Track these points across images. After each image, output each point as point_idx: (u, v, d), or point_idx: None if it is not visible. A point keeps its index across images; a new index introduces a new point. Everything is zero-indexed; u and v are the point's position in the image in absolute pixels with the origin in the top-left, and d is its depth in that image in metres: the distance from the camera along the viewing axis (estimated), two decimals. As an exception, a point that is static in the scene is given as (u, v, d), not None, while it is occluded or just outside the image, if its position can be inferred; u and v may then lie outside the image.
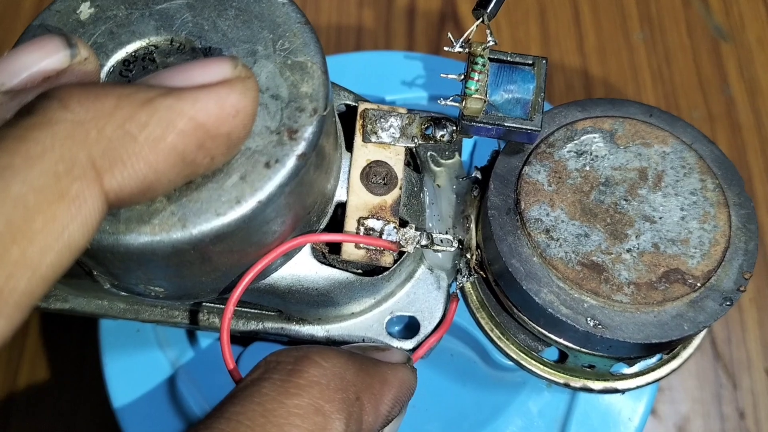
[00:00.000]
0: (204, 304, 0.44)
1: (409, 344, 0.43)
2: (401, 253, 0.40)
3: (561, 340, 0.41)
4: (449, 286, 0.44)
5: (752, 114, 0.71)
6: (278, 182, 0.32)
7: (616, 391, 0.43)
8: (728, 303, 0.39)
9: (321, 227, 0.40)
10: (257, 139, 0.33)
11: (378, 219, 0.40)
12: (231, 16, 0.36)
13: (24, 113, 0.24)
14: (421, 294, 0.44)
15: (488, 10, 0.39)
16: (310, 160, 0.34)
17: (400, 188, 0.40)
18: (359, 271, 0.41)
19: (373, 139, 0.41)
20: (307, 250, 0.39)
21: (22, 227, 0.22)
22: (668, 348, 0.42)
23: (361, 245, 0.39)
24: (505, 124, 0.39)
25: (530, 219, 0.40)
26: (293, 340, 0.44)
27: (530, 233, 0.40)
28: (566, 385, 0.43)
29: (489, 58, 0.40)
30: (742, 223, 0.41)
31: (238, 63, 0.28)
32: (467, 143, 0.51)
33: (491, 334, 0.44)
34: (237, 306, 0.43)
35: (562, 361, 0.43)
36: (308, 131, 0.33)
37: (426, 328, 0.43)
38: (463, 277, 0.44)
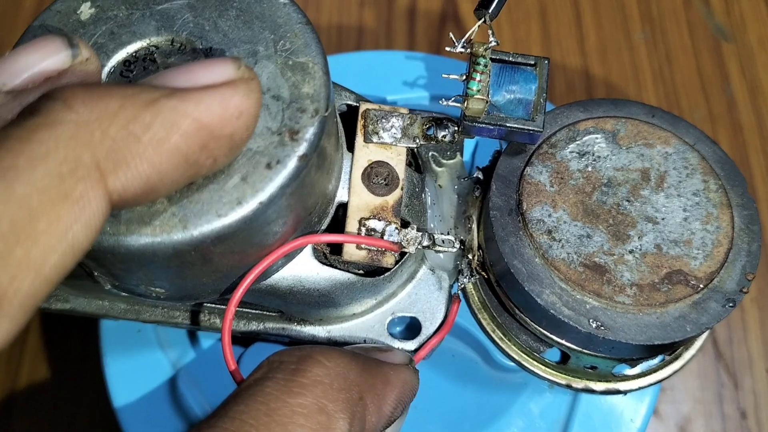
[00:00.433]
0: (205, 304, 0.44)
1: (411, 345, 0.42)
2: (403, 254, 0.40)
3: (563, 342, 0.41)
4: (451, 287, 0.44)
5: (753, 114, 0.71)
6: (279, 183, 0.32)
7: (618, 392, 0.43)
8: (731, 304, 0.39)
9: (322, 228, 0.40)
10: (258, 140, 0.33)
11: (379, 219, 0.39)
12: (232, 16, 0.36)
13: (27, 114, 0.24)
14: (423, 295, 0.44)
15: (490, 11, 0.39)
16: (311, 161, 0.33)
17: (402, 189, 0.40)
18: (360, 271, 0.41)
19: (375, 139, 0.41)
20: (308, 250, 0.39)
21: (26, 228, 0.22)
22: (670, 349, 0.42)
23: (363, 246, 0.39)
24: (507, 125, 0.39)
25: (532, 220, 0.40)
26: (294, 341, 0.44)
27: (532, 234, 0.40)
28: (568, 386, 0.43)
29: (491, 59, 0.39)
30: (744, 224, 0.40)
31: (241, 64, 0.28)
32: (469, 144, 0.51)
33: (493, 335, 0.44)
34: (238, 307, 0.43)
35: (564, 362, 0.43)
36: (309, 132, 0.33)
37: (427, 329, 0.43)
38: (465, 277, 0.44)
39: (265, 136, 0.33)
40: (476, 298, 0.44)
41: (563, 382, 0.43)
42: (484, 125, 0.39)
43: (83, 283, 0.42)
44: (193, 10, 0.35)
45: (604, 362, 0.42)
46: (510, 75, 0.40)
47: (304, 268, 0.39)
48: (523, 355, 0.43)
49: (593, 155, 0.42)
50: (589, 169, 0.41)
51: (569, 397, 0.47)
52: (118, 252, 0.32)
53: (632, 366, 0.43)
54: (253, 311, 0.44)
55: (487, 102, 0.39)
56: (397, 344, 0.43)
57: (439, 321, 0.43)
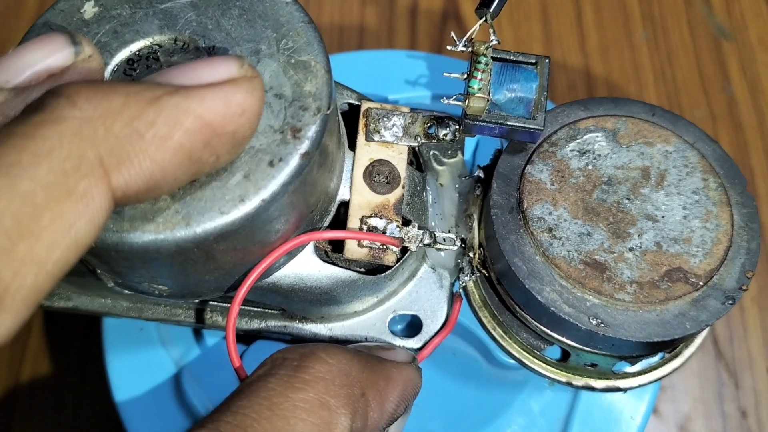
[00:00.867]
0: (207, 302, 0.44)
1: (412, 343, 0.43)
2: (404, 252, 0.40)
3: (563, 339, 0.41)
4: (452, 285, 0.44)
5: (754, 113, 0.71)
6: (282, 181, 0.32)
7: (618, 389, 0.44)
8: (730, 302, 0.39)
9: (324, 226, 0.40)
10: (261, 137, 0.33)
11: (381, 218, 0.40)
12: (235, 15, 0.36)
13: (31, 110, 0.24)
14: (424, 293, 0.44)
15: (491, 10, 0.39)
16: (313, 159, 0.34)
17: (403, 187, 0.40)
18: (362, 269, 0.41)
19: (376, 138, 0.41)
20: (310, 248, 0.39)
21: (30, 224, 0.22)
22: (670, 347, 0.42)
23: (364, 243, 0.39)
24: (508, 123, 0.39)
25: (533, 218, 0.40)
26: (296, 339, 0.44)
27: (533, 232, 0.40)
28: (568, 384, 0.43)
29: (492, 57, 0.40)
30: (744, 222, 0.41)
31: (245, 62, 0.28)
32: (470, 142, 0.51)
33: (493, 333, 0.44)
34: (240, 305, 0.44)
35: (564, 359, 0.43)
36: (312, 130, 0.33)
37: (428, 326, 0.43)
38: (466, 276, 0.44)
39: (268, 133, 0.33)
40: (477, 297, 0.44)
41: (563, 379, 0.43)
42: (485, 124, 0.39)
43: (86, 281, 0.42)
44: (196, 9, 0.36)
45: (605, 360, 0.42)
46: (511, 74, 0.40)
47: (305, 266, 0.39)
48: (523, 352, 0.44)
49: (594, 154, 0.42)
50: (590, 167, 0.41)
51: (569, 394, 0.48)
52: (122, 249, 0.32)
53: (632, 363, 0.43)
54: (255, 309, 0.44)
55: (488, 100, 0.39)
56: (399, 342, 0.43)
57: (440, 319, 0.43)
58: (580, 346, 0.41)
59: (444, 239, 0.41)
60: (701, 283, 0.39)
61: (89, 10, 0.36)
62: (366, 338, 0.43)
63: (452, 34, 0.40)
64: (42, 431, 0.60)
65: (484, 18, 0.39)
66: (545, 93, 0.40)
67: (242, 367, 0.36)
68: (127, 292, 0.41)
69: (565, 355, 0.43)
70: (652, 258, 0.39)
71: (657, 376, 0.44)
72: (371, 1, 0.76)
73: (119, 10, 0.36)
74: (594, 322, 0.38)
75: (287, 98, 0.34)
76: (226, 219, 0.32)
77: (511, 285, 0.41)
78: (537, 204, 0.40)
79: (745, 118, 0.71)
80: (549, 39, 0.75)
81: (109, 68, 0.35)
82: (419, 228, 0.40)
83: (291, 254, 0.39)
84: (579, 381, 0.43)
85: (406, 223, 0.40)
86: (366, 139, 0.41)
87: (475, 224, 0.44)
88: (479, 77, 0.39)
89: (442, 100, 0.40)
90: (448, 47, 0.40)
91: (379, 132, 0.41)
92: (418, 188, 0.43)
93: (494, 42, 0.39)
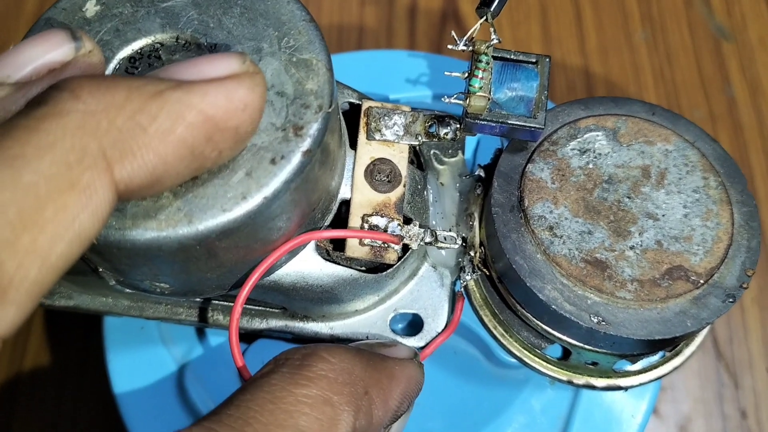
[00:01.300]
0: (209, 301, 0.44)
1: (413, 341, 0.43)
2: (405, 250, 0.41)
3: (564, 337, 0.41)
4: (453, 283, 0.44)
5: (754, 114, 0.71)
6: (284, 178, 0.33)
7: (619, 388, 0.44)
8: (731, 300, 0.39)
9: (325, 224, 0.40)
10: (263, 135, 0.33)
11: (382, 216, 0.40)
12: (236, 13, 0.36)
13: (35, 104, 0.24)
14: (425, 291, 0.44)
15: (492, 9, 0.39)
16: (315, 157, 0.34)
17: (404, 186, 0.41)
18: (363, 268, 0.41)
19: (377, 136, 0.41)
20: (311, 247, 0.40)
21: (33, 216, 0.23)
22: (671, 345, 0.42)
23: (366, 242, 0.39)
24: (509, 122, 0.39)
25: (534, 216, 0.40)
26: (297, 338, 0.44)
27: (534, 230, 0.40)
28: (569, 383, 0.43)
29: (493, 56, 0.40)
30: (744, 221, 0.41)
31: (247, 58, 0.28)
32: (470, 141, 0.51)
33: (494, 332, 0.44)
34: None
35: (565, 358, 0.43)
36: (313, 128, 0.33)
37: (429, 325, 0.43)
38: (467, 274, 0.44)
39: (270, 131, 0.33)
40: (478, 295, 0.44)
41: (564, 378, 0.43)
42: (486, 122, 0.39)
43: (87, 279, 0.42)
44: (197, 8, 0.36)
45: (605, 358, 0.42)
46: (512, 72, 0.40)
47: (307, 265, 0.39)
48: (524, 351, 0.44)
49: (594, 152, 0.42)
50: (590, 166, 0.41)
51: (570, 393, 0.48)
52: (124, 246, 0.32)
53: (633, 362, 0.43)
54: (257, 308, 0.44)
55: (489, 99, 0.39)
56: (401, 341, 0.43)
57: (441, 317, 0.43)
58: (581, 345, 0.41)
59: (445, 238, 0.42)
60: (702, 281, 0.39)
61: (91, 8, 0.36)
62: (367, 336, 0.43)
63: (453, 33, 0.40)
64: (42, 430, 0.60)
65: (484, 17, 0.39)
66: (546, 92, 0.40)
67: (245, 367, 0.36)
68: (128, 290, 0.41)
69: (566, 353, 0.43)
70: (652, 256, 0.39)
71: (658, 374, 0.44)
72: (370, 1, 0.76)
73: (121, 8, 0.36)
74: (595, 320, 0.38)
75: (289, 96, 0.34)
76: (229, 216, 0.32)
77: (512, 283, 0.41)
78: (538, 202, 0.40)
79: (745, 119, 0.71)
80: (548, 40, 0.75)
81: (111, 66, 0.35)
82: (420, 226, 0.40)
83: (292, 253, 0.39)
84: (580, 379, 0.43)
85: (407, 221, 0.40)
86: (367, 138, 0.41)
87: (476, 223, 0.44)
88: (480, 76, 0.39)
89: (443, 99, 0.40)
90: (449, 46, 0.40)
91: (380, 131, 0.41)
92: (419, 187, 0.43)
93: (495, 41, 0.39)
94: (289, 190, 0.33)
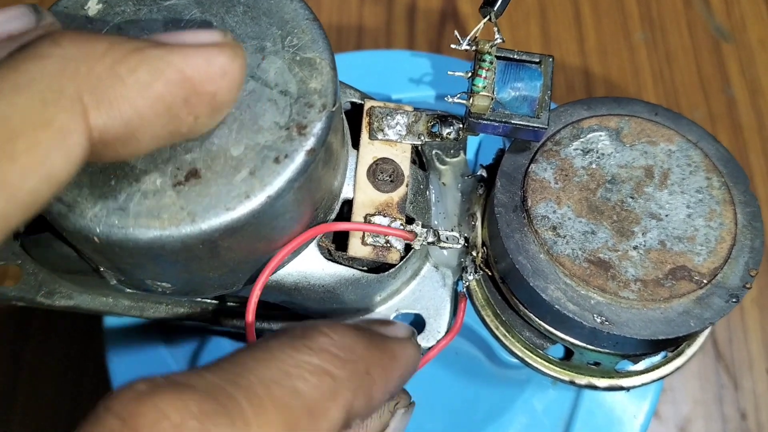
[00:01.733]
0: (209, 301, 0.44)
1: (424, 342, 0.43)
2: (407, 250, 0.40)
3: (567, 337, 0.41)
4: (455, 284, 0.44)
5: (753, 114, 0.71)
6: (287, 177, 0.32)
7: (621, 388, 0.43)
8: (734, 300, 0.39)
9: (328, 224, 0.40)
10: (266, 134, 0.33)
11: (385, 216, 0.40)
12: (239, 12, 0.36)
13: (16, 50, 0.25)
14: (427, 291, 0.44)
15: (495, 8, 0.39)
16: (318, 156, 0.34)
17: (407, 185, 0.40)
18: (365, 268, 0.41)
19: (380, 136, 0.41)
20: (313, 246, 0.39)
21: (5, 146, 0.22)
22: (674, 345, 0.42)
23: (368, 242, 0.39)
24: (512, 122, 0.39)
25: (537, 216, 0.40)
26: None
27: (537, 230, 0.40)
28: (571, 383, 0.43)
29: (496, 56, 0.40)
30: (747, 221, 0.41)
31: (229, 34, 0.29)
32: (472, 142, 0.51)
33: (496, 332, 0.44)
34: (241, 303, 0.44)
35: (567, 358, 0.43)
36: (317, 127, 0.33)
37: (431, 325, 0.43)
38: (469, 274, 0.44)
39: (273, 130, 0.33)
40: (480, 296, 0.44)
41: (566, 378, 0.43)
42: (489, 122, 0.39)
43: (87, 279, 0.42)
44: (200, 6, 0.36)
45: (608, 358, 0.42)
46: (515, 72, 0.40)
47: (309, 264, 0.39)
48: (526, 351, 0.44)
49: (597, 152, 0.42)
50: (593, 166, 0.41)
51: (572, 393, 0.48)
52: (126, 245, 0.32)
53: (635, 362, 0.43)
54: (258, 309, 0.44)
55: (492, 99, 0.39)
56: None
57: (443, 318, 0.43)
58: (584, 345, 0.41)
59: (447, 237, 0.41)
60: (705, 281, 0.39)
61: (93, 6, 0.36)
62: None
63: (456, 33, 0.40)
64: (41, 430, 0.60)
65: (488, 17, 0.39)
66: (549, 92, 0.40)
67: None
68: (129, 290, 0.41)
69: (568, 353, 0.43)
70: (656, 256, 0.39)
71: (660, 374, 0.44)
72: (369, 1, 0.76)
73: (123, 6, 0.36)
74: (598, 320, 0.38)
75: (292, 95, 0.34)
76: (232, 215, 0.32)
77: (515, 283, 0.41)
78: (541, 202, 0.40)
79: (745, 120, 0.71)
80: (547, 40, 0.75)
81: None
82: (423, 226, 0.40)
83: (295, 252, 0.39)
84: (582, 380, 0.43)
85: (409, 221, 0.40)
86: (369, 138, 0.41)
87: (478, 223, 0.44)
88: (484, 75, 0.39)
89: (446, 98, 0.40)
90: (452, 46, 0.40)
91: (382, 130, 0.41)
92: (422, 187, 0.43)
93: (498, 40, 0.39)
94: (292, 189, 0.33)
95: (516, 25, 0.76)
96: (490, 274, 0.43)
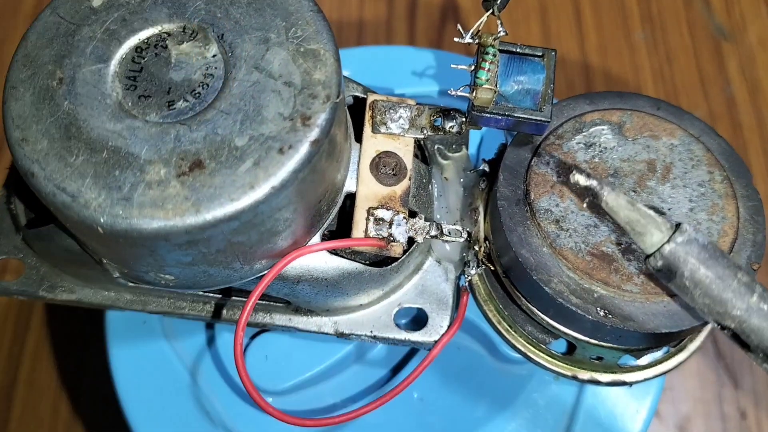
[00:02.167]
0: (212, 295, 0.44)
1: (419, 336, 0.42)
2: (410, 244, 0.40)
3: (570, 332, 0.41)
4: (457, 278, 0.44)
5: (753, 113, 0.71)
6: (292, 168, 0.32)
7: (623, 383, 0.43)
8: (737, 294, 0.39)
9: (331, 217, 0.40)
10: (270, 125, 0.33)
11: (387, 209, 0.39)
12: (244, 3, 0.36)
13: None
14: (429, 286, 0.44)
15: (498, 2, 0.39)
16: (322, 147, 0.34)
17: (410, 179, 0.40)
18: (367, 261, 0.41)
19: (383, 130, 0.41)
20: (316, 239, 0.39)
21: None
22: (677, 338, 0.42)
23: (371, 234, 0.39)
24: (515, 115, 0.39)
25: (540, 209, 0.40)
26: (301, 332, 0.44)
27: (540, 224, 0.40)
28: (574, 378, 0.43)
29: (499, 49, 0.40)
30: (749, 215, 0.41)
31: None
32: (474, 137, 0.51)
33: (499, 327, 0.44)
34: (243, 297, 0.44)
35: (569, 353, 0.43)
36: (321, 118, 0.33)
37: (434, 320, 0.43)
38: (471, 269, 0.44)
39: (278, 121, 0.33)
40: (482, 290, 0.44)
41: (569, 373, 0.43)
42: (492, 115, 0.39)
43: (89, 273, 0.42)
44: None
45: (610, 353, 0.42)
46: (518, 66, 0.40)
47: (312, 257, 0.39)
48: (528, 346, 0.44)
49: (600, 146, 0.42)
50: (596, 160, 0.41)
51: (575, 388, 0.47)
52: (131, 236, 0.32)
53: (638, 357, 0.43)
54: (260, 302, 0.44)
55: (495, 92, 0.39)
56: (404, 335, 0.43)
57: (445, 312, 0.43)
58: (587, 339, 0.41)
59: (450, 231, 0.41)
60: (708, 275, 0.39)
61: None
62: (371, 331, 0.43)
63: (459, 26, 0.40)
64: (42, 426, 0.59)
65: (491, 10, 0.39)
66: (552, 85, 0.40)
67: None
68: (131, 284, 0.41)
69: (571, 348, 0.43)
70: (659, 250, 0.39)
71: (662, 370, 0.44)
72: (371, -1, 0.76)
73: None
74: (602, 313, 0.38)
75: (297, 86, 0.34)
76: (236, 206, 0.32)
77: (518, 277, 0.41)
78: (544, 196, 0.40)
79: (744, 119, 0.71)
80: (548, 38, 0.75)
81: (118, 56, 0.35)
82: (426, 220, 0.40)
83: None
84: (584, 375, 0.43)
85: (412, 215, 0.40)
86: (372, 131, 0.41)
87: (481, 218, 0.44)
88: (487, 68, 0.39)
89: (449, 91, 0.40)
90: (455, 39, 0.40)
91: (385, 124, 0.41)
92: (424, 181, 0.43)
93: (501, 33, 0.39)
94: (296, 180, 0.33)
95: (516, 24, 0.76)
96: (492, 268, 0.43)
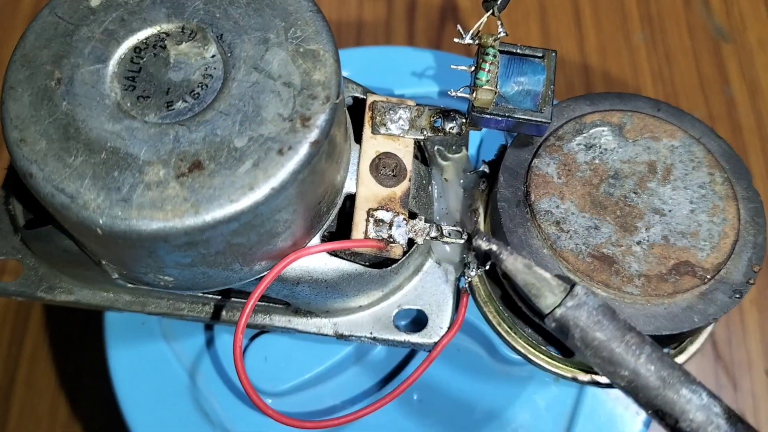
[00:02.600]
0: (211, 296, 0.44)
1: (417, 338, 0.42)
2: (410, 245, 0.40)
3: (570, 333, 0.41)
4: (457, 279, 0.44)
5: (753, 115, 0.71)
6: (291, 169, 0.32)
7: (623, 385, 0.43)
8: (738, 295, 0.39)
9: (330, 218, 0.40)
10: (270, 126, 0.33)
11: (387, 210, 0.39)
12: (242, 3, 0.36)
13: None
14: (429, 287, 0.44)
15: (498, 2, 0.39)
16: (322, 148, 0.33)
17: (410, 180, 0.40)
18: (367, 263, 0.41)
19: (383, 130, 0.41)
20: (316, 241, 0.39)
21: None
22: (678, 340, 0.42)
23: (371, 236, 0.39)
24: (516, 116, 0.39)
25: (540, 211, 0.40)
26: (300, 334, 0.44)
27: (540, 225, 0.40)
28: (574, 379, 0.43)
29: (499, 50, 0.39)
30: (750, 217, 0.41)
31: None
32: (474, 138, 0.51)
33: (498, 328, 0.44)
34: (243, 298, 0.43)
35: (569, 355, 0.43)
36: (321, 119, 0.33)
37: (434, 321, 0.43)
38: (471, 270, 0.44)
39: (277, 122, 0.33)
40: (482, 292, 0.44)
41: (569, 375, 0.43)
42: (492, 116, 0.39)
43: (88, 274, 0.42)
44: None
45: (611, 355, 0.42)
46: (518, 66, 0.40)
47: (312, 259, 0.39)
48: (528, 348, 0.43)
49: (600, 148, 0.42)
50: (596, 161, 0.41)
51: (575, 390, 0.47)
52: (130, 237, 0.31)
53: (638, 359, 0.43)
54: (260, 304, 0.44)
55: (495, 93, 0.39)
56: (404, 337, 0.43)
57: (445, 314, 0.43)
58: (587, 340, 0.41)
59: (450, 232, 0.41)
60: (709, 277, 0.39)
61: None
62: (371, 333, 0.43)
63: (459, 27, 0.40)
64: (40, 427, 0.59)
65: (491, 11, 0.39)
66: (552, 86, 0.40)
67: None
68: (130, 285, 0.41)
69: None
70: (659, 251, 0.39)
71: (662, 371, 0.44)
72: None
73: None
74: (602, 315, 0.38)
75: (296, 87, 0.34)
76: (236, 207, 0.32)
77: (518, 278, 0.40)
78: (544, 197, 0.40)
79: (744, 120, 0.71)
80: (547, 39, 0.75)
81: (116, 56, 0.35)
82: (426, 221, 0.40)
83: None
84: (584, 376, 0.43)
85: (412, 216, 0.40)
86: (372, 132, 0.41)
87: (481, 219, 0.44)
88: (487, 69, 0.39)
89: (449, 92, 0.40)
90: (455, 40, 0.39)
91: (385, 125, 0.41)
92: (424, 182, 0.43)
93: (502, 34, 0.39)
94: (296, 182, 0.33)
95: (516, 24, 0.76)
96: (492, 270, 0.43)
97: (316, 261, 0.39)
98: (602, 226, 0.40)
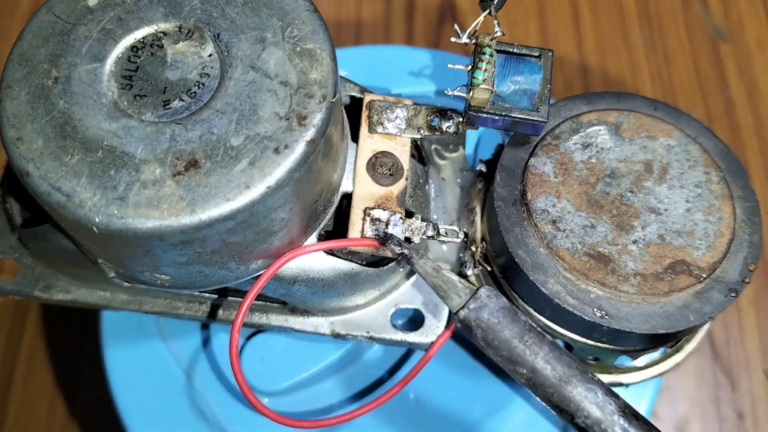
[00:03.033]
0: (208, 295, 0.44)
1: (415, 337, 0.42)
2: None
3: (566, 332, 0.41)
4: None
5: (751, 115, 0.71)
6: (287, 168, 0.32)
7: (620, 384, 0.43)
8: (733, 294, 0.39)
9: (327, 217, 0.40)
10: (266, 124, 0.33)
11: (384, 209, 0.39)
12: (240, 3, 0.36)
13: None
14: (426, 287, 0.44)
15: (495, 2, 0.39)
16: (318, 147, 0.34)
17: (407, 179, 0.40)
18: (363, 262, 0.41)
19: (379, 129, 0.41)
20: (312, 240, 0.39)
21: None
22: (674, 339, 0.42)
23: (368, 235, 0.39)
24: (512, 115, 0.39)
25: (537, 210, 0.40)
26: (297, 333, 0.44)
27: (537, 224, 0.40)
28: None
29: (496, 50, 0.40)
30: (746, 216, 0.41)
31: None
32: (471, 137, 0.51)
33: (495, 328, 0.44)
34: (239, 297, 0.43)
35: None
36: (317, 117, 0.33)
37: (430, 321, 0.43)
38: (468, 269, 0.44)
39: (273, 121, 0.33)
40: (479, 291, 0.44)
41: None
42: (488, 115, 0.39)
43: (85, 272, 0.42)
44: None
45: (607, 354, 0.42)
46: (515, 66, 0.40)
47: (308, 258, 0.39)
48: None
49: (596, 147, 0.42)
50: (593, 160, 0.41)
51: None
52: (126, 235, 0.31)
53: (634, 358, 0.43)
54: (256, 302, 0.44)
55: (492, 92, 0.39)
56: (401, 336, 0.43)
57: (442, 313, 0.43)
58: (584, 340, 0.41)
59: (447, 232, 0.41)
60: (705, 276, 0.39)
61: None
62: (368, 332, 0.43)
63: (456, 26, 0.40)
64: (38, 427, 0.59)
65: (488, 10, 0.39)
66: (549, 86, 0.40)
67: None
68: (127, 284, 0.41)
69: (568, 349, 0.43)
70: (655, 250, 0.39)
71: (659, 371, 0.44)
72: (368, -1, 0.76)
73: None
74: (598, 314, 0.38)
75: (293, 86, 0.34)
76: (232, 206, 0.32)
77: (515, 277, 0.41)
78: (541, 196, 0.40)
79: (742, 120, 0.71)
80: (546, 39, 0.75)
81: (113, 55, 0.35)
82: (422, 220, 0.40)
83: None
84: (581, 376, 0.43)
85: (409, 215, 0.40)
86: (369, 131, 0.41)
87: (478, 218, 0.44)
88: (484, 68, 0.39)
89: (446, 91, 0.40)
90: (452, 39, 0.40)
91: (382, 124, 0.41)
92: (421, 181, 0.43)
93: (499, 33, 0.39)
94: (292, 180, 0.33)
95: (514, 24, 0.76)
96: (489, 269, 0.43)
97: (313, 260, 0.39)
98: (598, 225, 0.40)
